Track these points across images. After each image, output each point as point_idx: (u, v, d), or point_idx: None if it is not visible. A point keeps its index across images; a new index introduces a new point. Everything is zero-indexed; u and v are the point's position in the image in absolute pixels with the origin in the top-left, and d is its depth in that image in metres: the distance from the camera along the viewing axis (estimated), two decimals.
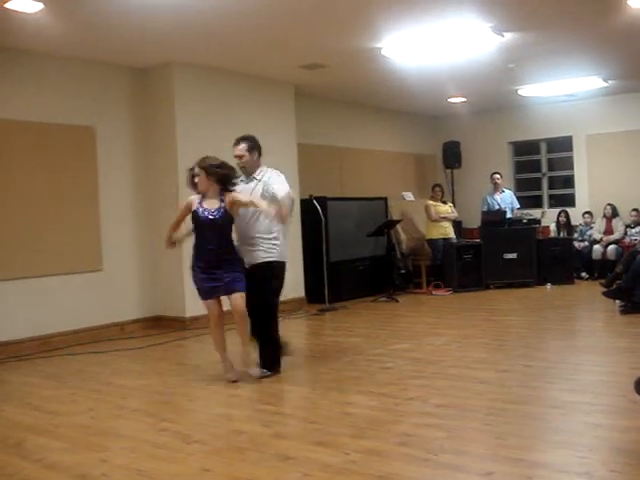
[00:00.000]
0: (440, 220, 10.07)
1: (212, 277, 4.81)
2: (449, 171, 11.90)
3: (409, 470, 3.17)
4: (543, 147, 12.01)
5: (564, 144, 11.63)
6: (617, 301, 7.37)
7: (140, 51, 7.07)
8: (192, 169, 4.91)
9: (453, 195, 11.66)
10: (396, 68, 8.09)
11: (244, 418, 4.25)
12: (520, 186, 12.29)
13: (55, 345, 6.70)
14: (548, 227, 10.77)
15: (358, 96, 10.31)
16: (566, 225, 10.68)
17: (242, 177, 5.07)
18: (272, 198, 4.90)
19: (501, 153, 12.10)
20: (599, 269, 10.00)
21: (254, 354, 5.07)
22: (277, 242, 5.02)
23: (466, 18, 6.35)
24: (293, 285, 8.28)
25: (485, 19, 6.43)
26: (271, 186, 4.97)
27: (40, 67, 6.84)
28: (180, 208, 5.08)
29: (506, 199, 10.64)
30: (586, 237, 10.50)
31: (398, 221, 10.14)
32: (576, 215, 10.81)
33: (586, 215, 10.69)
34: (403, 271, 10.39)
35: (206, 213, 4.81)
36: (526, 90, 10.12)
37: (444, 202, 10.35)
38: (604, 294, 7.51)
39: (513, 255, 9.73)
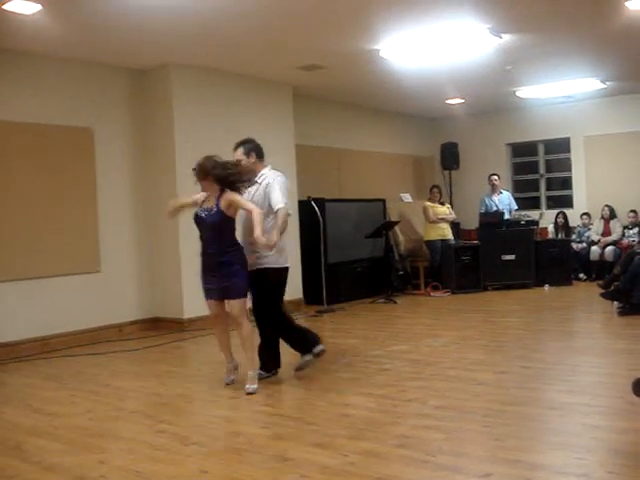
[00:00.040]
0: (438, 221, 10.07)
1: (210, 279, 4.80)
2: (447, 172, 11.92)
3: (407, 472, 3.17)
4: (541, 148, 12.02)
5: (562, 145, 11.64)
6: (615, 302, 7.38)
7: (138, 52, 7.08)
8: (194, 169, 4.90)
9: (451, 196, 11.68)
10: (394, 70, 8.10)
11: (242, 419, 4.25)
12: (518, 187, 12.30)
13: (54, 346, 6.70)
14: (546, 228, 10.78)
15: (356, 97, 10.32)
16: (564, 226, 10.70)
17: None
18: (270, 208, 4.87)
19: (499, 154, 12.12)
20: (597, 270, 10.03)
21: (257, 363, 4.99)
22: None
23: (464, 20, 6.36)
24: (291, 286, 8.22)
25: (483, 21, 6.44)
26: (269, 194, 4.94)
27: (38, 68, 6.84)
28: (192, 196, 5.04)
29: (504, 200, 10.64)
30: (584, 238, 10.51)
31: (396, 222, 10.14)
32: (574, 216, 10.83)
33: (584, 216, 10.70)
34: (401, 272, 10.40)
35: (202, 212, 4.81)
36: (524, 92, 10.13)
37: (442, 203, 10.36)
38: (602, 295, 7.52)
39: (511, 256, 9.75)
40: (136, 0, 5.43)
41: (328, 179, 10.13)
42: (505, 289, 9.62)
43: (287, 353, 5.22)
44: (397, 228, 10.37)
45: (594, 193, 11.06)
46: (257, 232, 4.58)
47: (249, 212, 4.71)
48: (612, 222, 10.40)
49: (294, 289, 8.68)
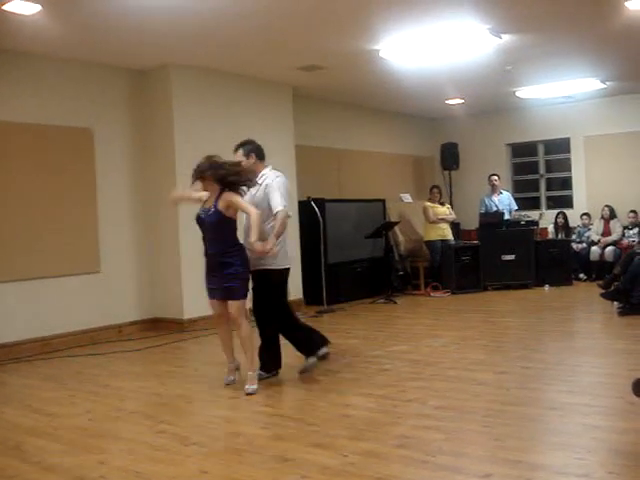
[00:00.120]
0: (438, 222, 10.07)
1: (212, 279, 4.81)
2: (447, 173, 11.92)
3: (407, 472, 3.16)
4: (541, 149, 12.02)
5: (562, 146, 11.64)
6: (615, 302, 7.37)
7: (138, 53, 7.07)
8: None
9: (451, 197, 11.68)
10: (394, 70, 8.09)
11: (242, 420, 4.25)
12: (518, 188, 12.30)
13: (54, 347, 6.70)
14: (546, 229, 10.77)
15: (356, 98, 10.32)
16: (564, 227, 10.70)
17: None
18: (270, 210, 4.87)
19: (499, 155, 12.11)
20: (597, 270, 10.02)
21: (257, 364, 4.98)
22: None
23: (464, 20, 6.36)
24: (291, 287, 8.17)
25: (483, 21, 6.44)
26: (268, 195, 4.93)
27: (38, 69, 6.84)
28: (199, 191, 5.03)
29: (504, 201, 10.65)
30: (584, 239, 10.51)
31: (396, 223, 10.14)
32: (574, 217, 10.82)
33: (584, 217, 10.70)
34: (401, 273, 10.39)
35: (202, 213, 4.81)
36: (524, 92, 10.13)
37: (442, 204, 10.35)
38: (602, 295, 7.52)
39: (511, 257, 9.74)
40: (136, 0, 5.43)
41: (328, 179, 10.13)
42: (505, 289, 9.62)
43: (287, 354, 5.22)
44: (397, 228, 10.37)
45: (594, 193, 11.06)
46: (252, 238, 4.59)
47: (247, 214, 4.71)
48: (612, 222, 10.40)
49: (294, 289, 8.64)
